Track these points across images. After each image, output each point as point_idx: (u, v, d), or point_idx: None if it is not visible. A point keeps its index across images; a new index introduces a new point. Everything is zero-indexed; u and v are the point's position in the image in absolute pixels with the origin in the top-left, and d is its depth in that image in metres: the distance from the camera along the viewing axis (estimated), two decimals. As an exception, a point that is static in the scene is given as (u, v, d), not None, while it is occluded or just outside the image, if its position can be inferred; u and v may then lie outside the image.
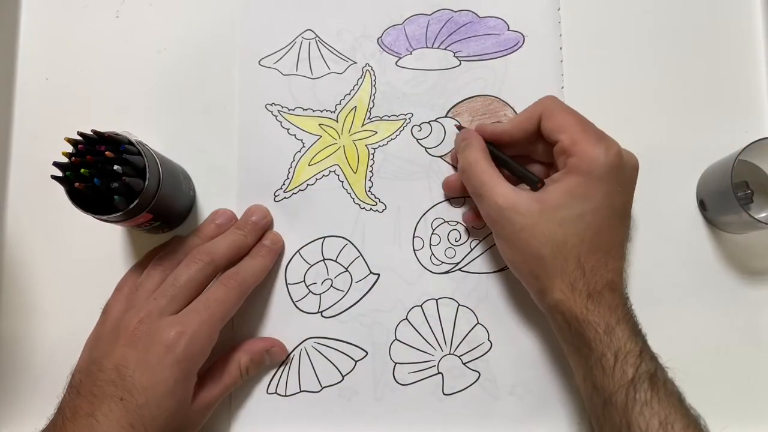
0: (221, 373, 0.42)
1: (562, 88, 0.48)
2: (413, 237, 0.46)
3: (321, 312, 0.46)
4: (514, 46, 0.48)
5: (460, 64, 0.48)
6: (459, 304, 0.46)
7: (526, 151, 0.43)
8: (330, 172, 0.47)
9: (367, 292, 0.46)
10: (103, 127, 0.38)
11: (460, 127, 0.46)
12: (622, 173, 0.38)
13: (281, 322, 0.46)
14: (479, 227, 0.46)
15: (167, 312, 0.39)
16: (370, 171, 0.47)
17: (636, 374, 0.35)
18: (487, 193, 0.40)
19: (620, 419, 0.35)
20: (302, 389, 0.45)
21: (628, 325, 0.36)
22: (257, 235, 0.45)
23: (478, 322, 0.46)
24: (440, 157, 0.47)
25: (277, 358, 0.45)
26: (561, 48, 0.48)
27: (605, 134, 0.39)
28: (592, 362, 0.36)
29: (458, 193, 0.46)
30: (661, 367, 0.36)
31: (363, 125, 0.47)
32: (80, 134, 0.37)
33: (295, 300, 0.46)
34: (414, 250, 0.46)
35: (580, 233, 0.37)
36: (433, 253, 0.46)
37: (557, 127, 0.39)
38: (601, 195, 0.38)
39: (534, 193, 0.39)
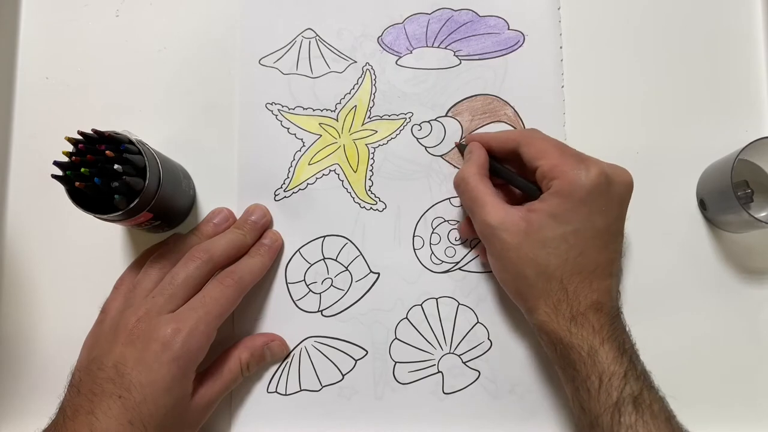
0: (222, 371, 0.42)
1: (562, 87, 0.48)
2: (413, 236, 0.46)
3: (321, 311, 0.46)
4: (515, 45, 0.48)
5: (461, 63, 0.48)
6: (459, 303, 0.46)
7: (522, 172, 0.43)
8: (330, 171, 0.47)
9: (367, 291, 0.46)
10: (104, 127, 0.38)
11: (459, 145, 0.46)
12: (607, 193, 0.38)
13: (281, 321, 0.46)
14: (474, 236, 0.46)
15: (165, 310, 0.39)
16: (370, 170, 0.47)
17: (620, 397, 0.35)
18: (478, 210, 0.40)
19: None
20: (302, 388, 0.45)
21: (614, 344, 0.36)
22: (256, 235, 0.45)
23: (478, 321, 0.46)
24: (440, 156, 0.47)
25: (278, 352, 0.45)
26: (561, 47, 0.48)
27: (586, 156, 0.39)
28: (578, 384, 0.37)
29: (472, 236, 0.45)
30: (648, 387, 0.36)
31: (363, 124, 0.47)
32: (80, 133, 0.37)
33: (295, 299, 0.46)
34: (414, 249, 0.46)
35: (562, 254, 0.38)
36: (433, 252, 0.46)
37: (536, 154, 0.40)
38: (583, 216, 0.38)
39: (523, 212, 0.39)
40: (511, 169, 0.43)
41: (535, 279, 0.38)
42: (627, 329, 0.38)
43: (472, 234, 0.44)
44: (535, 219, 0.38)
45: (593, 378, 0.36)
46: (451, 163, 0.47)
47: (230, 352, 0.43)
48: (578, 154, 0.40)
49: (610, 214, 0.39)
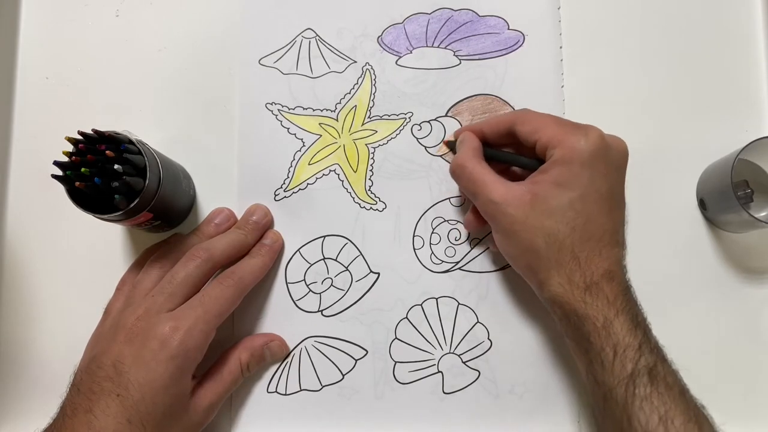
0: (222, 372, 0.42)
1: (562, 87, 0.48)
2: (413, 236, 0.46)
3: (321, 311, 0.46)
4: (514, 45, 0.48)
5: (460, 63, 0.48)
6: (459, 303, 0.46)
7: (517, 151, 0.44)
8: (330, 171, 0.47)
9: (367, 291, 0.46)
10: (104, 127, 0.38)
11: (448, 143, 0.46)
12: (607, 157, 0.38)
13: (281, 321, 0.46)
14: (480, 230, 0.45)
15: (164, 309, 0.39)
16: (370, 170, 0.47)
17: (635, 369, 0.35)
18: (480, 191, 0.40)
19: (621, 414, 0.34)
20: (302, 388, 0.45)
21: (628, 316, 0.36)
22: (258, 235, 0.45)
23: (478, 321, 0.46)
24: (440, 156, 0.47)
25: (277, 352, 0.45)
26: (561, 47, 0.48)
27: (583, 124, 0.39)
28: (591, 356, 0.36)
29: (480, 229, 0.44)
30: (662, 359, 0.36)
31: (363, 124, 0.47)
32: (81, 133, 0.37)
33: (295, 299, 0.46)
34: (414, 249, 0.46)
35: (570, 221, 0.37)
36: (433, 252, 0.46)
37: (533, 129, 0.40)
38: (586, 181, 0.38)
39: (526, 185, 0.39)
40: (508, 151, 0.43)
41: (546, 250, 0.38)
42: (639, 303, 0.38)
43: (479, 225, 0.44)
44: (539, 190, 0.38)
45: (608, 350, 0.35)
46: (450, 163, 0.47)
47: (230, 353, 0.43)
48: (575, 123, 0.40)
49: (611, 178, 0.39)
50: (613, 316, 0.36)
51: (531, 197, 0.38)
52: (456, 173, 0.42)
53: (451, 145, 0.46)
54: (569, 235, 0.37)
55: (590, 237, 0.37)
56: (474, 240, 0.46)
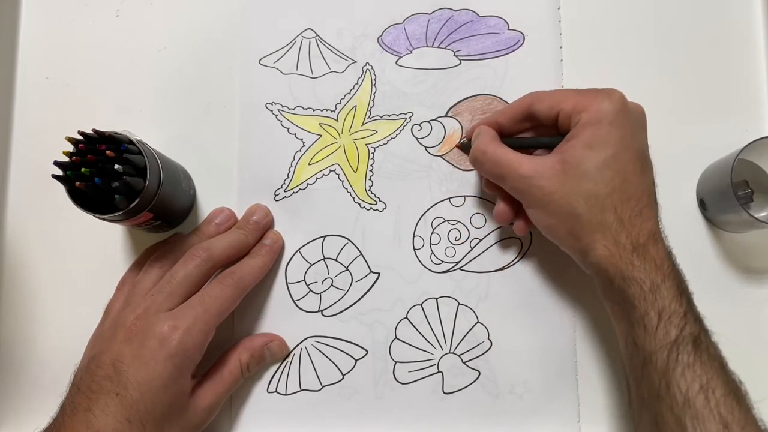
0: (222, 373, 0.42)
1: (562, 87, 0.48)
2: (413, 236, 0.46)
3: (321, 311, 0.46)
4: (514, 45, 0.48)
5: (461, 63, 0.48)
6: (459, 303, 0.46)
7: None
8: (330, 171, 0.47)
9: (368, 291, 0.46)
10: (104, 127, 0.38)
11: (462, 145, 0.47)
12: (632, 117, 0.38)
13: (281, 321, 0.46)
14: (512, 219, 0.44)
15: (163, 308, 0.39)
16: (370, 170, 0.47)
17: (680, 336, 0.34)
18: (508, 170, 0.40)
19: (659, 379, 0.34)
20: (302, 388, 0.45)
21: (674, 282, 0.36)
22: (258, 235, 0.45)
23: (478, 321, 0.46)
24: (440, 156, 0.47)
25: (277, 352, 0.45)
26: (561, 47, 0.48)
27: (602, 88, 0.39)
28: (634, 319, 0.36)
29: (513, 217, 0.43)
30: (705, 330, 0.35)
31: (363, 124, 0.47)
32: (81, 133, 0.37)
33: (295, 299, 0.46)
34: (414, 249, 0.46)
35: (609, 182, 0.37)
36: (433, 252, 0.46)
37: (553, 103, 0.40)
38: (617, 139, 0.37)
39: (555, 156, 0.39)
40: (527, 136, 0.43)
41: (588, 213, 0.37)
42: (682, 270, 0.37)
43: (513, 213, 0.43)
44: (569, 156, 0.38)
45: (652, 314, 0.35)
46: (451, 163, 0.47)
47: (230, 354, 0.43)
48: (594, 88, 0.40)
49: (639, 137, 0.39)
50: (660, 281, 0.35)
51: (562, 165, 0.38)
52: (479, 160, 0.42)
53: (465, 147, 0.46)
54: (609, 195, 0.37)
55: (630, 197, 0.37)
56: (474, 240, 0.46)
